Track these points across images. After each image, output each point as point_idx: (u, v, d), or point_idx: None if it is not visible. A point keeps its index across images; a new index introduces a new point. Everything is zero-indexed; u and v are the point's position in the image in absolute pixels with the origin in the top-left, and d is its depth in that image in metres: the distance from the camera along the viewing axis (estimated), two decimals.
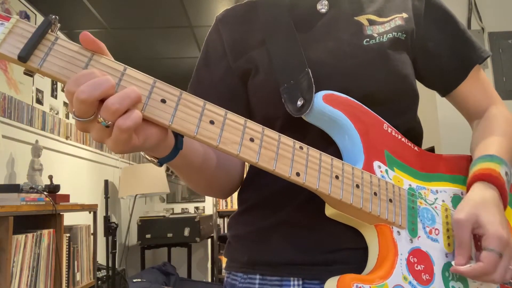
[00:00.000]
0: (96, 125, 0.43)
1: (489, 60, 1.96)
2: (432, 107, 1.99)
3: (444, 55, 0.72)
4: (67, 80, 0.43)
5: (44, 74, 0.43)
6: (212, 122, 0.48)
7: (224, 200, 4.64)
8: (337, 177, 0.55)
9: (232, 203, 4.61)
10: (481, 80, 0.74)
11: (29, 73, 0.43)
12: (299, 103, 0.60)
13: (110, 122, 0.42)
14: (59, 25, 0.44)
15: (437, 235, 0.61)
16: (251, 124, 0.51)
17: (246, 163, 0.64)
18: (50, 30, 0.43)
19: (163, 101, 0.46)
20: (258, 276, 0.64)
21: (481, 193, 0.60)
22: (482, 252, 0.56)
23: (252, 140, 0.50)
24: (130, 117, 0.42)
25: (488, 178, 0.61)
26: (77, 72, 0.43)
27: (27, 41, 0.42)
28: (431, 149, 1.91)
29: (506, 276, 0.56)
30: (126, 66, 0.46)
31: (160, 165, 0.53)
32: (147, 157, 0.52)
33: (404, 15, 0.69)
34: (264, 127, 0.52)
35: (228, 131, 0.49)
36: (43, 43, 0.43)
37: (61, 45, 0.43)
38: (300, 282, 0.61)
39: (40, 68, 0.42)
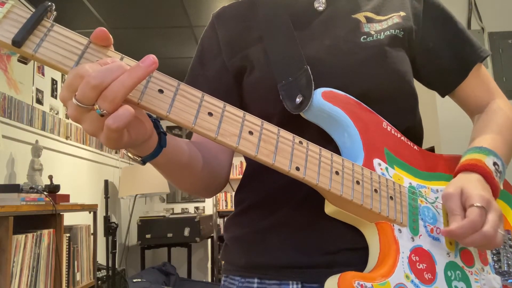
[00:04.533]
0: (90, 116, 0.42)
1: (489, 60, 1.96)
2: (432, 107, 1.99)
3: (443, 56, 0.72)
4: (63, 68, 0.42)
5: (39, 61, 0.41)
6: (210, 114, 0.47)
7: (224, 200, 4.65)
8: (337, 172, 0.54)
9: (232, 203, 4.61)
10: (482, 77, 0.74)
11: (23, 60, 0.42)
12: (298, 100, 0.60)
13: (105, 111, 0.40)
14: (55, 13, 0.43)
15: (438, 234, 0.60)
16: (250, 117, 0.50)
17: (235, 164, 0.63)
18: (46, 17, 0.42)
19: (161, 91, 0.45)
20: (256, 280, 0.63)
21: (464, 176, 0.61)
22: (467, 210, 0.56)
23: (251, 133, 0.49)
24: (120, 117, 0.40)
25: (473, 168, 0.61)
26: (73, 59, 0.42)
27: (22, 26, 0.40)
28: (431, 149, 1.91)
29: (497, 238, 0.56)
30: (123, 55, 0.45)
31: (144, 163, 0.52)
32: (130, 155, 0.51)
33: (402, 13, 0.68)
34: (263, 120, 0.51)
35: (226, 123, 0.48)
36: (39, 29, 0.41)
37: (57, 32, 0.42)
38: (299, 285, 0.60)
39: (35, 54, 0.41)
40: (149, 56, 0.42)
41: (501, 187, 0.63)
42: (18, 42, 0.40)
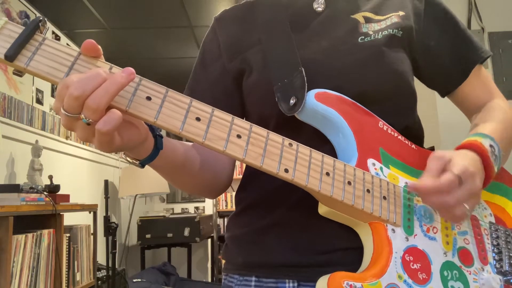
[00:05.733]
0: (80, 124, 0.44)
1: (489, 60, 1.96)
2: (432, 107, 1.99)
3: (444, 56, 0.71)
4: (54, 79, 0.44)
5: (31, 73, 0.44)
6: (198, 119, 0.48)
7: (224, 200, 4.65)
8: (327, 173, 0.54)
9: (232, 203, 4.60)
10: (482, 78, 0.74)
11: (18, 73, 0.44)
12: (292, 101, 0.60)
13: (90, 120, 0.42)
14: (48, 26, 0.45)
15: (435, 233, 0.60)
16: (238, 121, 0.51)
17: (235, 165, 0.63)
18: (38, 31, 0.44)
19: (148, 98, 0.46)
20: (253, 278, 0.64)
21: (459, 151, 0.60)
22: (444, 173, 0.54)
23: (239, 136, 0.50)
24: (109, 120, 0.42)
25: (469, 146, 0.60)
26: (63, 70, 0.44)
27: (14, 41, 0.43)
28: (431, 149, 1.91)
29: (458, 210, 0.54)
30: (112, 65, 0.46)
31: (142, 166, 0.54)
32: (129, 159, 0.53)
33: (401, 13, 0.68)
34: (252, 124, 0.52)
35: (214, 127, 0.49)
36: (31, 43, 0.44)
37: (48, 45, 0.44)
38: (296, 284, 0.61)
39: (26, 67, 0.43)
40: (128, 68, 0.45)
41: (496, 171, 0.61)
42: (10, 56, 0.42)
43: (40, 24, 0.44)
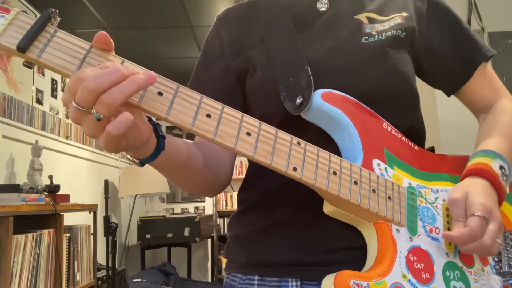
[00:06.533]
0: (89, 119, 0.43)
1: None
2: (432, 107, 2.00)
3: (447, 56, 0.71)
4: (66, 72, 0.43)
5: (43, 65, 0.43)
6: (208, 116, 0.48)
7: (224, 200, 4.65)
8: (335, 173, 0.54)
9: (232, 203, 4.61)
10: (488, 77, 0.74)
11: (29, 64, 0.44)
12: (298, 101, 0.60)
13: (102, 116, 0.42)
14: (59, 19, 0.45)
15: (437, 234, 0.60)
16: (248, 118, 0.51)
17: (235, 164, 0.63)
18: (50, 23, 0.44)
19: (160, 93, 0.46)
20: (256, 277, 0.64)
21: (471, 181, 0.62)
22: (468, 218, 0.57)
23: (249, 134, 0.50)
24: (120, 124, 0.42)
25: (479, 172, 0.61)
26: (75, 63, 0.44)
27: (26, 32, 0.42)
28: (431, 149, 1.91)
29: (494, 247, 0.56)
30: (124, 59, 0.46)
31: (142, 165, 0.54)
32: (129, 157, 0.53)
33: (404, 14, 0.69)
34: (261, 121, 0.52)
35: (224, 124, 0.49)
36: (43, 35, 0.43)
37: (60, 37, 0.44)
38: (299, 283, 0.61)
39: (38, 59, 0.43)
40: (151, 72, 0.45)
41: (507, 191, 0.63)
42: (22, 48, 0.42)
43: (51, 16, 0.44)
